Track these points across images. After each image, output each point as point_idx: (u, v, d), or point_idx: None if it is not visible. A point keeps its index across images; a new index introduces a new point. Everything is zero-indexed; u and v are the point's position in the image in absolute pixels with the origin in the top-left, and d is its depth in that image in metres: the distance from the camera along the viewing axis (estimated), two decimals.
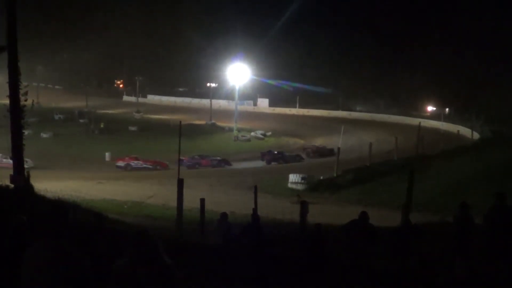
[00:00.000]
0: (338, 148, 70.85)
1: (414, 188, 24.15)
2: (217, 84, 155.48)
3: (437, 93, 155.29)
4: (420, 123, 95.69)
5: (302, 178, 60.23)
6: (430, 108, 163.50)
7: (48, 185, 34.47)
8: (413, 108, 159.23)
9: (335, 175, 63.80)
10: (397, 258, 16.36)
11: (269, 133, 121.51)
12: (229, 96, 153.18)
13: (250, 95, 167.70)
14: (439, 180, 53.10)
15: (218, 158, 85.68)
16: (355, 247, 16.29)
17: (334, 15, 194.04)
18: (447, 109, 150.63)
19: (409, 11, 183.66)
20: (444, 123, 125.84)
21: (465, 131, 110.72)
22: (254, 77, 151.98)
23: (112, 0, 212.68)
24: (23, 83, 22.02)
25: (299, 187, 58.70)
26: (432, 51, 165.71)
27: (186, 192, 27.43)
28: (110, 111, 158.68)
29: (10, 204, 17.07)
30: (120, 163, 78.48)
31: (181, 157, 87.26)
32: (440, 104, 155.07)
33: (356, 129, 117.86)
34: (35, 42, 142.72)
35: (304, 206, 27.30)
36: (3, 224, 11.54)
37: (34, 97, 25.62)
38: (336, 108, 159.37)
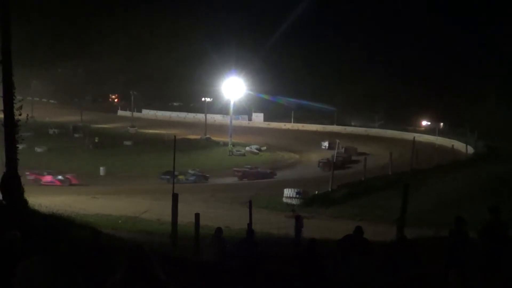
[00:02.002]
0: (333, 163, 70.90)
1: (409, 203, 24.18)
2: (212, 99, 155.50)
3: (431, 108, 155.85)
4: (414, 137, 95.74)
5: (297, 193, 60.15)
6: (424, 123, 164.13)
7: (42, 200, 34.30)
8: (408, 122, 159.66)
9: (330, 189, 63.77)
10: (392, 272, 16.34)
11: (264, 148, 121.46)
12: (224, 110, 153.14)
13: (245, 110, 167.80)
14: (434, 195, 53.18)
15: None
16: (350, 262, 16.29)
17: (329, 30, 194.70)
18: (441, 124, 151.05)
19: (403, 26, 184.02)
20: (438, 138, 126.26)
21: (459, 145, 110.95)
22: (249, 92, 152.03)
23: (106, 15, 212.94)
24: (18, 97, 21.98)
25: (294, 201, 58.63)
26: (426, 66, 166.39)
27: (180, 207, 27.39)
28: (104, 126, 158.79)
29: (3, 219, 17.02)
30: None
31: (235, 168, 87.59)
32: (434, 119, 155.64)
33: (350, 144, 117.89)
34: (29, 57, 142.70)
35: (298, 221, 27.31)
36: None
37: (28, 111, 25.49)
38: (331, 123, 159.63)
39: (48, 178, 75.95)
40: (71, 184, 75.16)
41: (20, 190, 21.89)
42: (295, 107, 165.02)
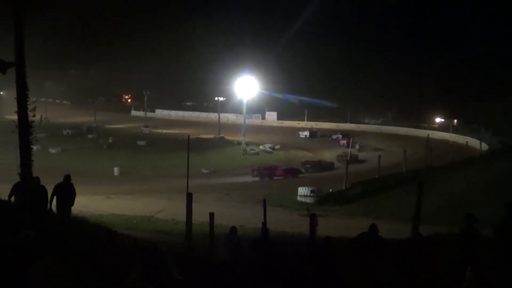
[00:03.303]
0: (347, 161, 70.74)
1: (423, 200, 24.08)
2: (225, 98, 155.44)
3: (445, 105, 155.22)
4: (428, 134, 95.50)
5: (311, 191, 60.07)
6: (438, 120, 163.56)
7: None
8: (422, 119, 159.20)
9: (344, 188, 63.65)
10: (406, 270, 16.28)
11: (277, 147, 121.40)
12: (237, 109, 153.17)
13: (258, 109, 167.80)
14: (449, 192, 52.96)
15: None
16: (365, 260, 16.24)
17: (341, 29, 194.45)
18: (455, 121, 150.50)
19: (415, 24, 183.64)
20: (452, 135, 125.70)
21: (473, 142, 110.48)
22: (262, 91, 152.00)
23: (119, 16, 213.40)
24: (31, 99, 22.03)
25: (308, 200, 58.54)
26: (439, 63, 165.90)
27: (195, 206, 27.36)
28: (118, 126, 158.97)
29: (18, 219, 17.05)
30: None
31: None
32: (448, 116, 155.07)
33: (364, 142, 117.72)
34: (43, 58, 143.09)
35: (313, 219, 27.21)
36: (11, 239, 11.53)
37: (42, 112, 25.58)
38: (345, 120, 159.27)
39: None
40: None
41: (34, 191, 21.96)
42: (308, 105, 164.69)
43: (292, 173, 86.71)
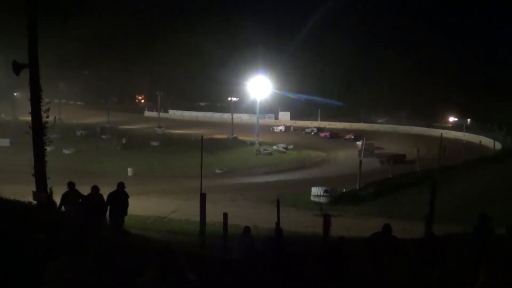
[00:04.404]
0: (360, 161, 70.56)
1: (437, 200, 24.00)
2: (238, 98, 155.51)
3: (458, 104, 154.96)
4: (442, 134, 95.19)
5: (325, 191, 59.93)
6: (451, 119, 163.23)
7: None
8: (435, 119, 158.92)
9: (357, 187, 63.54)
10: (420, 270, 16.27)
11: (290, 147, 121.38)
12: (250, 110, 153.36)
13: (272, 109, 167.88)
14: (462, 191, 52.82)
15: None
16: (378, 260, 16.23)
17: (354, 29, 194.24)
18: (468, 120, 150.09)
19: (430, 23, 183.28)
20: (466, 134, 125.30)
21: (487, 141, 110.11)
22: (275, 91, 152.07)
23: (132, 17, 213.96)
24: (45, 100, 22.09)
25: (322, 200, 58.40)
26: (452, 62, 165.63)
27: (208, 206, 27.35)
28: (131, 127, 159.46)
29: (31, 221, 17.11)
30: None
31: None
32: (461, 115, 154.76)
33: (377, 141, 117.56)
34: (56, 59, 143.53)
35: (327, 219, 27.16)
36: (21, 242, 11.58)
37: (56, 113, 25.67)
38: (358, 120, 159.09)
39: None
40: None
41: (47, 192, 22.03)
42: (322, 105, 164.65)
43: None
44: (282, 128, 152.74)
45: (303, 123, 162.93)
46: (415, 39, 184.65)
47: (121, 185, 23.61)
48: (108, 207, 22.93)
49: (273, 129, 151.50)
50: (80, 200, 22.91)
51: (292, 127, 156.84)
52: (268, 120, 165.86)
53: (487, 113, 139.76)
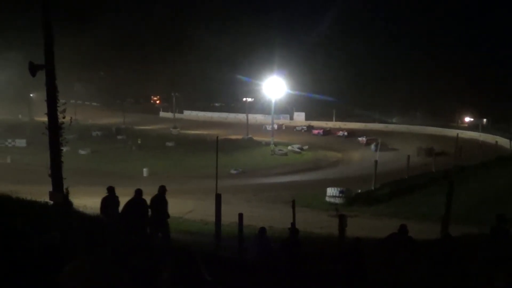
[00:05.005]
0: (376, 161, 70.36)
1: (453, 200, 23.96)
2: (253, 99, 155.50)
3: (474, 104, 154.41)
4: (458, 134, 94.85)
5: (340, 192, 59.79)
6: (467, 119, 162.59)
7: (87, 201, 34.66)
8: (451, 119, 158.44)
9: (373, 188, 63.39)
10: (437, 271, 16.22)
11: (306, 147, 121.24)
12: (265, 110, 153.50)
13: (287, 109, 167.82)
14: (478, 192, 52.59)
15: None
16: (395, 260, 16.20)
17: (369, 29, 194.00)
18: (484, 120, 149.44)
19: (445, 23, 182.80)
20: (482, 134, 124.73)
21: (503, 141, 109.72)
22: (290, 91, 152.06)
23: (148, 18, 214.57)
24: (61, 101, 22.09)
25: (337, 200, 58.28)
26: (468, 62, 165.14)
27: (223, 207, 27.40)
28: (147, 127, 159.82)
29: (47, 221, 17.18)
30: None
31: None
32: (477, 115, 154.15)
33: (393, 141, 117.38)
34: (72, 60, 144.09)
35: (342, 220, 27.15)
36: (36, 241, 11.63)
37: (72, 114, 25.70)
38: (373, 120, 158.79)
39: None
40: None
41: (63, 192, 22.06)
42: (337, 105, 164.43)
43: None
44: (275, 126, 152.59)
45: (318, 123, 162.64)
46: (430, 39, 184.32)
47: (162, 189, 22.52)
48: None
49: (265, 127, 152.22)
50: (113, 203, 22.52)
51: (284, 126, 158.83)
52: (283, 120, 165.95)
53: (503, 113, 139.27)
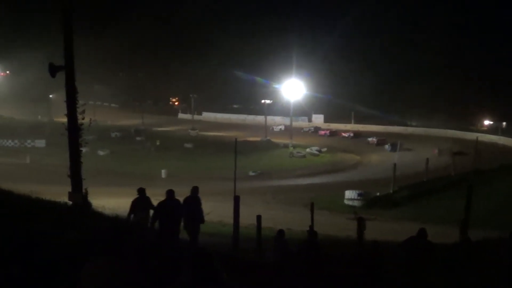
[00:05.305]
0: (394, 164, 70.20)
1: (472, 204, 23.84)
2: (272, 101, 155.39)
3: (494, 107, 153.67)
4: (477, 137, 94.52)
5: (359, 195, 59.82)
6: (487, 122, 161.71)
7: (106, 202, 34.75)
8: (470, 122, 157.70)
9: (391, 191, 63.28)
10: (455, 275, 16.14)
11: (324, 149, 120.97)
12: (284, 112, 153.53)
13: (305, 111, 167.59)
14: (498, 196, 52.45)
15: None
16: (413, 264, 16.12)
17: (388, 32, 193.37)
18: (504, 123, 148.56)
19: (464, 26, 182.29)
20: (501, 137, 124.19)
21: None
22: (309, 93, 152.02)
23: (166, 21, 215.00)
24: (80, 102, 22.17)
25: (356, 203, 58.28)
26: (488, 65, 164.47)
27: (242, 209, 27.35)
28: (165, 129, 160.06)
29: (66, 221, 17.22)
30: None
31: None
32: (497, 118, 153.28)
33: (412, 144, 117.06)
34: (92, 61, 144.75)
35: (361, 223, 27.06)
36: (56, 240, 11.66)
37: (91, 115, 25.79)
38: (392, 123, 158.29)
39: None
40: None
41: (82, 192, 22.11)
42: (356, 108, 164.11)
43: None
44: (281, 127, 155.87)
45: (337, 125, 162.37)
46: (450, 42, 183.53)
47: (195, 190, 21.67)
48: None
49: (272, 128, 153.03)
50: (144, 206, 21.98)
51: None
52: (302, 122, 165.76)
53: None
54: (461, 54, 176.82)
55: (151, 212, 21.17)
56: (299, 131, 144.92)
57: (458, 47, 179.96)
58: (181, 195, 20.90)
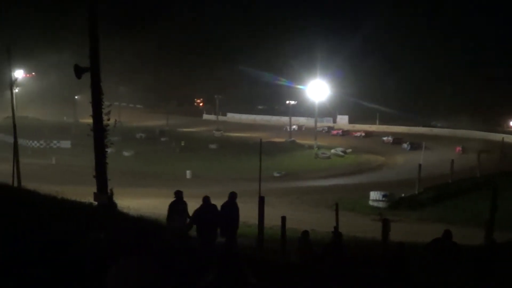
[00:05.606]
0: (420, 165, 69.85)
1: (498, 206, 23.70)
2: (296, 102, 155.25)
3: None
4: (503, 138, 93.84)
5: (383, 196, 59.52)
6: None
7: (131, 202, 34.87)
8: (496, 123, 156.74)
9: (416, 192, 62.97)
10: (481, 278, 16.07)
11: (349, 150, 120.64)
12: (308, 113, 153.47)
13: (330, 112, 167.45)
14: None
15: None
16: (439, 266, 16.07)
17: (414, 32, 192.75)
18: None
19: (489, 26, 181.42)
20: None
21: None
22: (334, 94, 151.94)
23: (192, 22, 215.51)
24: (105, 103, 22.28)
25: (380, 204, 58.01)
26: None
27: (266, 209, 27.36)
28: (190, 130, 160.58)
29: (92, 221, 17.33)
30: None
31: None
32: None
33: (437, 145, 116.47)
34: (117, 63, 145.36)
35: (386, 224, 26.98)
36: (82, 240, 11.75)
37: (116, 116, 25.94)
38: (417, 124, 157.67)
39: None
40: None
41: (107, 193, 22.20)
42: (380, 109, 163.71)
43: None
44: (295, 127, 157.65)
45: (362, 126, 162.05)
46: (475, 43, 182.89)
47: (233, 196, 21.43)
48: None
49: (286, 128, 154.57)
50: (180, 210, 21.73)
51: (304, 127, 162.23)
52: (326, 123, 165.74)
53: None
54: (487, 55, 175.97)
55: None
56: (312, 131, 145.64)
57: (483, 47, 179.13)
58: (205, 194, 20.89)
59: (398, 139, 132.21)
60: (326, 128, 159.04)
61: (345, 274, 16.94)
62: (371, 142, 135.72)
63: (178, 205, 21.46)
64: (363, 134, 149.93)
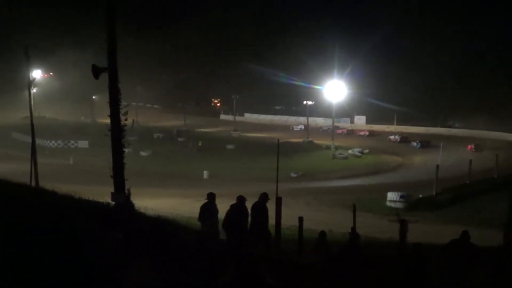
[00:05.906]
0: (437, 166, 69.60)
1: None
2: (313, 102, 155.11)
3: None
4: None
5: (401, 197, 59.39)
6: None
7: (148, 202, 34.92)
8: None
9: (434, 193, 62.78)
10: (499, 278, 15.99)
11: (366, 151, 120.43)
12: (326, 113, 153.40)
13: (347, 112, 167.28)
14: None
15: None
16: (457, 267, 16.01)
17: (432, 32, 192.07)
18: None
19: (507, 27, 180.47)
20: None
21: None
22: (351, 94, 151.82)
23: (209, 22, 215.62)
24: (123, 103, 22.29)
25: (398, 205, 57.86)
26: None
27: (283, 210, 27.31)
28: (207, 130, 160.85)
29: (109, 221, 17.35)
30: None
31: None
32: None
33: (455, 146, 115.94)
34: (134, 63, 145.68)
35: (403, 225, 26.89)
36: (99, 240, 11.77)
37: (133, 116, 25.96)
38: (435, 125, 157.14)
39: None
40: None
41: (125, 193, 22.21)
42: (398, 110, 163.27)
43: None
44: (301, 127, 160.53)
45: (379, 127, 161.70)
46: (493, 43, 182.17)
47: (264, 196, 21.10)
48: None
49: (292, 128, 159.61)
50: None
51: (321, 128, 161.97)
52: (344, 124, 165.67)
53: None
54: (505, 55, 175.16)
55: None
56: (318, 130, 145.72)
57: (502, 48, 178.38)
58: (223, 195, 20.90)
59: (405, 138, 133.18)
60: (331, 127, 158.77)
61: (362, 275, 16.90)
62: (377, 141, 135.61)
63: (209, 207, 21.69)
64: (366, 133, 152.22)
